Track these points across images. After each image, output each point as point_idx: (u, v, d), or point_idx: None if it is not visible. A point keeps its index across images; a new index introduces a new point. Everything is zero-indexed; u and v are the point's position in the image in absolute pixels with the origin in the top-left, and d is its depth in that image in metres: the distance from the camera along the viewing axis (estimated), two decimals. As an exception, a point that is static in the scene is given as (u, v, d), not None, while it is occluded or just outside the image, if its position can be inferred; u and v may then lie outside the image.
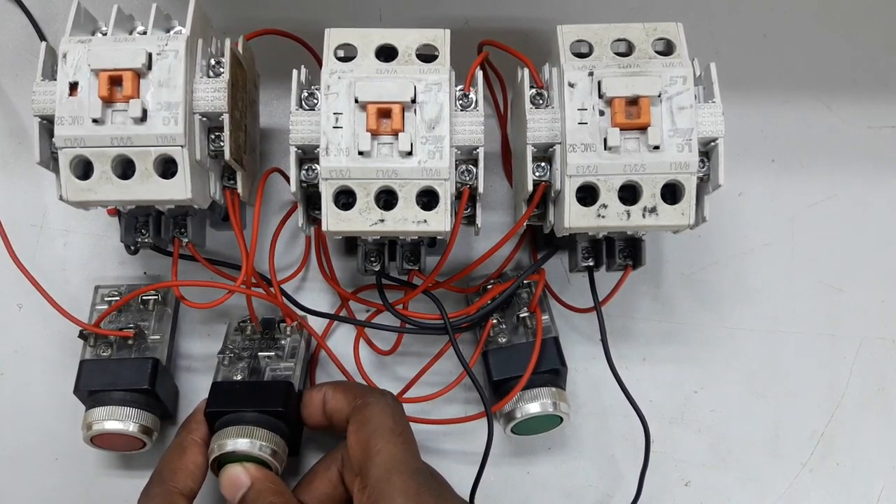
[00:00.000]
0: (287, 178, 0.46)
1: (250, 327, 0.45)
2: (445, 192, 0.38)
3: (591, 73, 0.38)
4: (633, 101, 0.38)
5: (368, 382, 0.47)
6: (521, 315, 0.45)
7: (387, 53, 0.39)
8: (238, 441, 0.40)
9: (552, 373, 0.44)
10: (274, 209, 0.49)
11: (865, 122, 0.52)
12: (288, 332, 0.45)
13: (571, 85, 0.38)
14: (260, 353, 0.44)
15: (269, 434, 0.41)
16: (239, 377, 0.43)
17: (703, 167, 0.39)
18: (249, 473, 0.40)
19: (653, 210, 0.38)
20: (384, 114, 0.38)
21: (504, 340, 0.45)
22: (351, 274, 0.49)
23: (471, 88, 0.40)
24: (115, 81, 0.37)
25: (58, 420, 0.46)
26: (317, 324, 0.48)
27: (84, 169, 0.38)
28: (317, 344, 0.47)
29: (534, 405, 0.43)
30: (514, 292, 0.46)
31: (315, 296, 0.49)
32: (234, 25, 0.45)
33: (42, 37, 0.51)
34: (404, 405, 0.43)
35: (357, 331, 0.48)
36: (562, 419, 0.44)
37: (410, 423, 0.41)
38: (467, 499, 0.44)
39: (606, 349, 0.44)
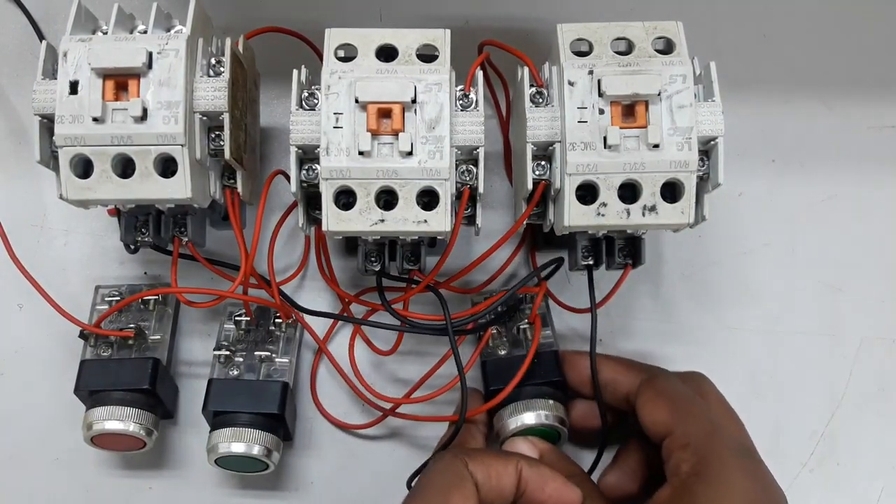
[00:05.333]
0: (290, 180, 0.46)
1: (245, 321, 0.45)
2: (446, 192, 0.38)
3: (590, 72, 0.38)
4: (633, 100, 0.38)
5: (364, 384, 0.46)
6: (522, 327, 0.45)
7: (387, 53, 0.39)
8: (232, 444, 0.42)
9: (551, 385, 0.44)
10: (273, 209, 0.49)
11: (865, 122, 0.52)
12: (283, 329, 0.45)
13: (571, 83, 0.38)
14: (256, 352, 0.44)
15: (266, 435, 0.42)
16: (235, 373, 0.44)
17: (703, 166, 0.39)
18: (537, 447, 0.42)
19: (652, 209, 0.38)
20: (384, 114, 0.38)
21: (504, 352, 0.45)
22: (351, 274, 0.48)
23: (471, 88, 0.40)
24: (116, 81, 0.37)
25: (58, 420, 0.46)
26: (318, 327, 0.47)
27: (84, 168, 0.38)
28: (310, 337, 0.47)
29: (528, 415, 0.43)
30: (517, 303, 0.46)
31: (314, 297, 0.49)
32: (235, 25, 0.45)
33: (41, 36, 0.51)
34: (399, 408, 0.43)
35: (353, 329, 0.48)
36: (559, 434, 0.43)
37: (409, 422, 0.40)
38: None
39: (593, 352, 0.43)
